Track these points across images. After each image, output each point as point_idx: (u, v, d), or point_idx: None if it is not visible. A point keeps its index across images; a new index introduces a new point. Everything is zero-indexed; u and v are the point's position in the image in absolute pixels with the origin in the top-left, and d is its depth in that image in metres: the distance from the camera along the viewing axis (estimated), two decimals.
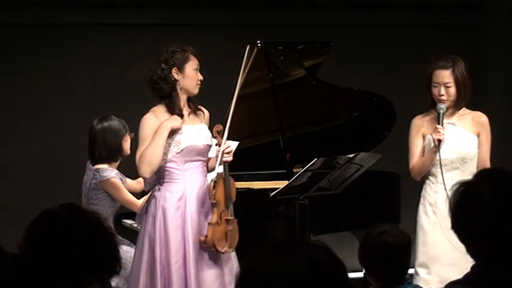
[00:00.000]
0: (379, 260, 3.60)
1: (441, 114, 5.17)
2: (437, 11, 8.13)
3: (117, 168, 5.60)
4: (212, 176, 4.95)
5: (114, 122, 5.58)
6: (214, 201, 4.84)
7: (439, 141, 5.14)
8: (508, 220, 2.43)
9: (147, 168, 4.79)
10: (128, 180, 5.66)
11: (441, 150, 5.17)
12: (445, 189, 5.05)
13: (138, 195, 5.66)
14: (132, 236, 5.48)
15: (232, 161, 4.92)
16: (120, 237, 5.46)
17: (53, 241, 2.54)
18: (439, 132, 5.14)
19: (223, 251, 4.82)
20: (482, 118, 5.34)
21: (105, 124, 5.57)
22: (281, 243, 2.00)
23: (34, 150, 7.50)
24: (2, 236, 2.99)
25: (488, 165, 5.32)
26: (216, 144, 4.93)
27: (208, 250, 4.83)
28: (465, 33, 8.15)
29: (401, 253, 3.63)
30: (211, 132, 4.97)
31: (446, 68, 5.22)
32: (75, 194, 5.60)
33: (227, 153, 4.88)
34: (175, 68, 4.89)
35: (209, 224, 4.81)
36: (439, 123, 5.16)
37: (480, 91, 5.72)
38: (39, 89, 7.53)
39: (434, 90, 5.22)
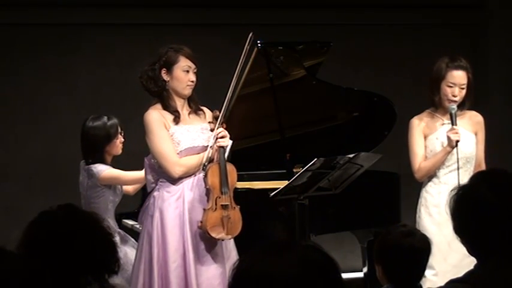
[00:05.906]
0: (401, 261, 3.52)
1: (454, 115, 5.17)
2: (437, 11, 8.13)
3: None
4: None
5: (99, 123, 5.44)
6: (207, 187, 4.82)
7: (457, 142, 5.14)
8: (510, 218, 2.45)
9: (182, 173, 4.82)
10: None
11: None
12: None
13: (132, 198, 5.64)
14: (132, 237, 5.48)
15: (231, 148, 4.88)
16: (125, 233, 5.47)
17: (51, 242, 2.54)
18: (456, 133, 5.14)
19: (218, 237, 4.77)
20: (478, 117, 5.39)
21: (89, 125, 5.46)
22: (274, 244, 2.01)
23: (34, 150, 7.51)
24: (2, 237, 2.99)
25: (483, 163, 5.37)
26: (211, 130, 4.88)
27: (210, 249, 4.81)
28: (465, 33, 8.15)
29: (425, 257, 3.57)
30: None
31: (462, 68, 5.23)
32: (75, 194, 5.58)
33: (221, 137, 4.84)
34: (164, 68, 4.88)
35: (204, 209, 4.79)
36: (453, 124, 5.17)
37: (480, 91, 5.71)
38: (39, 89, 7.53)
39: (448, 90, 5.21)
